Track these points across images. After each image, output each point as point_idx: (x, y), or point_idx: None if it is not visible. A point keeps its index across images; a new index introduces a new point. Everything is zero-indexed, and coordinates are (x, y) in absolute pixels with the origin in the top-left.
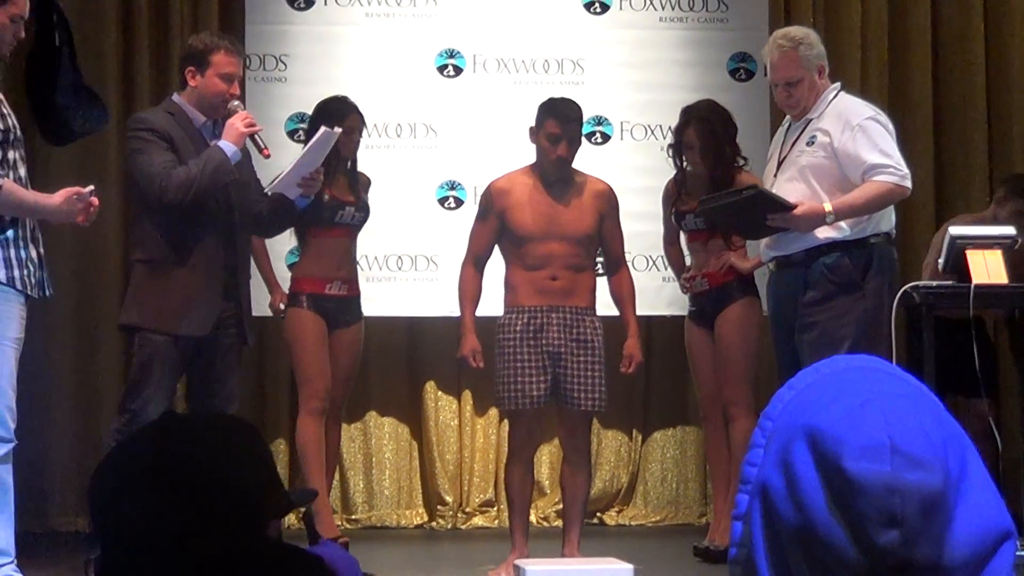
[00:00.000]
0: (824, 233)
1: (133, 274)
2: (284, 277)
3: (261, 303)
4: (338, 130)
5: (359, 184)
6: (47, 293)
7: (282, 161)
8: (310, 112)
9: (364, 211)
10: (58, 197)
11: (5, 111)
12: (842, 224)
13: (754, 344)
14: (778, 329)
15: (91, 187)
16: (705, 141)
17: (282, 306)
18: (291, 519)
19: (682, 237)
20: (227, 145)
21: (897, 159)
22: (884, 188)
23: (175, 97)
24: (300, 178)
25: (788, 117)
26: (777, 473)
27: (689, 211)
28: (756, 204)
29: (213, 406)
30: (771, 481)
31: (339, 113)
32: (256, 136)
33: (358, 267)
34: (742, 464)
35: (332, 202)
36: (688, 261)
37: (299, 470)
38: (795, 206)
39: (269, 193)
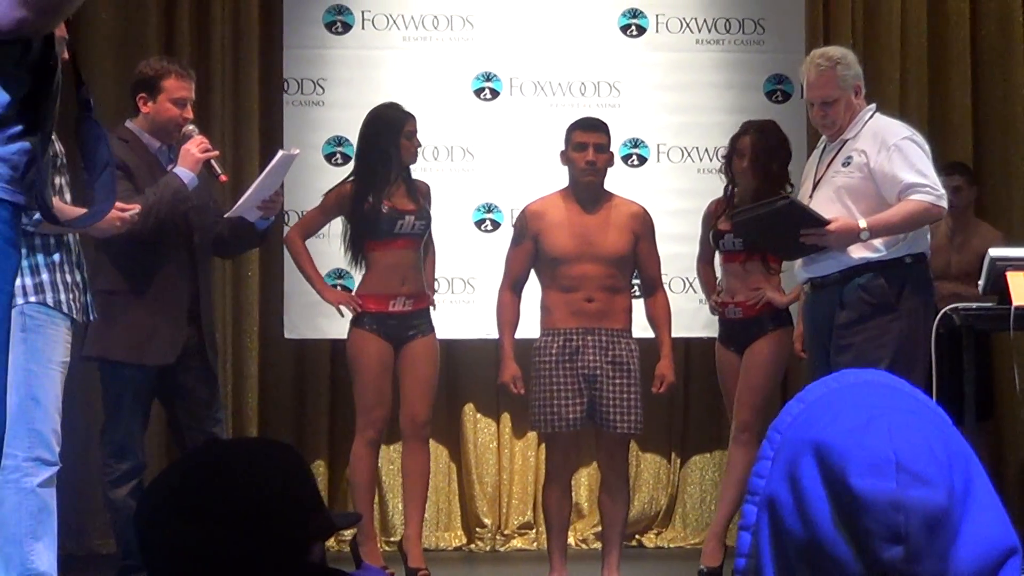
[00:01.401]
0: (859, 253)
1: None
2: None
3: (311, 327)
4: (296, 151)
5: (418, 192)
6: (91, 317)
7: (325, 184)
8: (348, 136)
9: (425, 219)
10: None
11: (53, 136)
12: (877, 244)
13: (779, 376)
14: (813, 351)
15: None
16: (756, 152)
17: (342, 309)
18: (332, 543)
19: (717, 258)
20: (183, 171)
21: (933, 179)
22: (920, 207)
23: (128, 124)
24: (260, 200)
25: (823, 138)
26: (784, 487)
27: (729, 231)
28: (789, 216)
29: (203, 432)
30: (779, 495)
31: (396, 120)
32: (212, 161)
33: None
34: (750, 476)
35: (391, 213)
36: (720, 282)
37: (338, 492)
38: (829, 222)
39: (228, 216)
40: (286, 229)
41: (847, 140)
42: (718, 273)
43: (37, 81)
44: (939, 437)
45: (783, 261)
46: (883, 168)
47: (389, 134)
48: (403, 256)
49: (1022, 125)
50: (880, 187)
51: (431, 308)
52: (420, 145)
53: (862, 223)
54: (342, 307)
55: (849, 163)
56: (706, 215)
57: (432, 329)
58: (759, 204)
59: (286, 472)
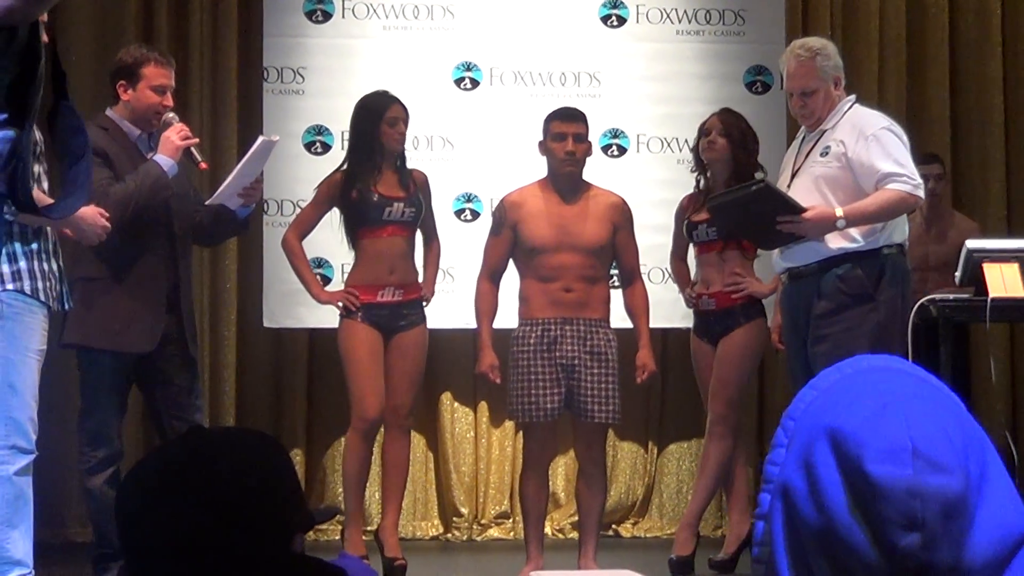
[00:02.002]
0: (836, 243)
1: (74, 292)
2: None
3: (290, 315)
4: (276, 138)
5: (411, 180)
6: (66, 306)
7: (305, 173)
8: (327, 125)
9: (416, 206)
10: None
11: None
12: (854, 235)
13: (753, 367)
14: (791, 341)
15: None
16: (726, 128)
17: (340, 305)
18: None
19: (691, 252)
20: (163, 159)
21: (911, 169)
22: (896, 196)
23: (109, 112)
24: (240, 188)
25: (803, 129)
26: (799, 474)
27: (702, 221)
28: (764, 201)
29: (183, 420)
30: (793, 482)
31: (380, 105)
32: (192, 149)
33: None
34: (764, 463)
35: (380, 200)
36: (694, 276)
37: (315, 482)
38: (804, 209)
39: (208, 204)
40: (265, 218)
41: (826, 131)
42: (693, 265)
43: (22, 69)
44: (955, 423)
45: (758, 249)
46: (860, 158)
47: (371, 121)
48: (392, 244)
49: (999, 116)
50: (858, 177)
51: (424, 300)
52: (403, 131)
53: (838, 211)
54: (340, 304)
55: (827, 153)
56: (679, 210)
57: (423, 320)
58: (734, 188)
59: (269, 463)
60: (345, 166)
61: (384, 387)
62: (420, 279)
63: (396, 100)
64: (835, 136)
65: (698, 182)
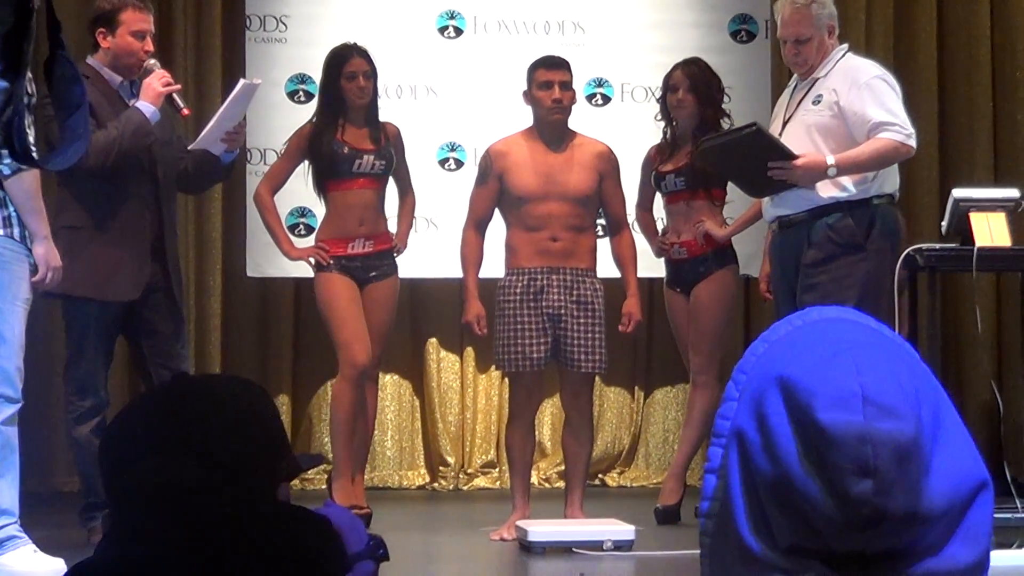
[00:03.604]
0: (827, 192)
1: (58, 241)
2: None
3: (273, 264)
4: (258, 81)
5: (382, 133)
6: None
7: (288, 122)
8: (310, 73)
9: (386, 159)
10: None
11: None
12: (846, 183)
13: (729, 315)
14: (780, 289)
15: None
16: (692, 81)
17: (312, 260)
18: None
19: (660, 201)
20: (145, 106)
21: (903, 118)
22: (889, 145)
23: (89, 60)
24: (224, 133)
25: (794, 78)
26: (752, 425)
27: (670, 172)
28: (755, 145)
29: (168, 369)
30: (746, 433)
31: (341, 58)
32: (174, 95)
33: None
34: (715, 418)
35: (350, 153)
36: (663, 225)
37: (300, 430)
38: (795, 156)
39: (191, 148)
40: (248, 167)
41: (818, 79)
42: (662, 215)
43: (16, 20)
44: (906, 370)
45: (726, 197)
46: (853, 106)
47: (331, 75)
48: (361, 196)
49: (986, 66)
50: (850, 125)
51: (396, 251)
52: (364, 85)
53: (830, 159)
54: (311, 259)
55: (820, 101)
56: (645, 160)
57: (395, 271)
58: (726, 131)
59: (255, 410)
60: (314, 119)
61: (366, 332)
62: (391, 230)
63: (357, 53)
64: (828, 84)
65: (665, 133)
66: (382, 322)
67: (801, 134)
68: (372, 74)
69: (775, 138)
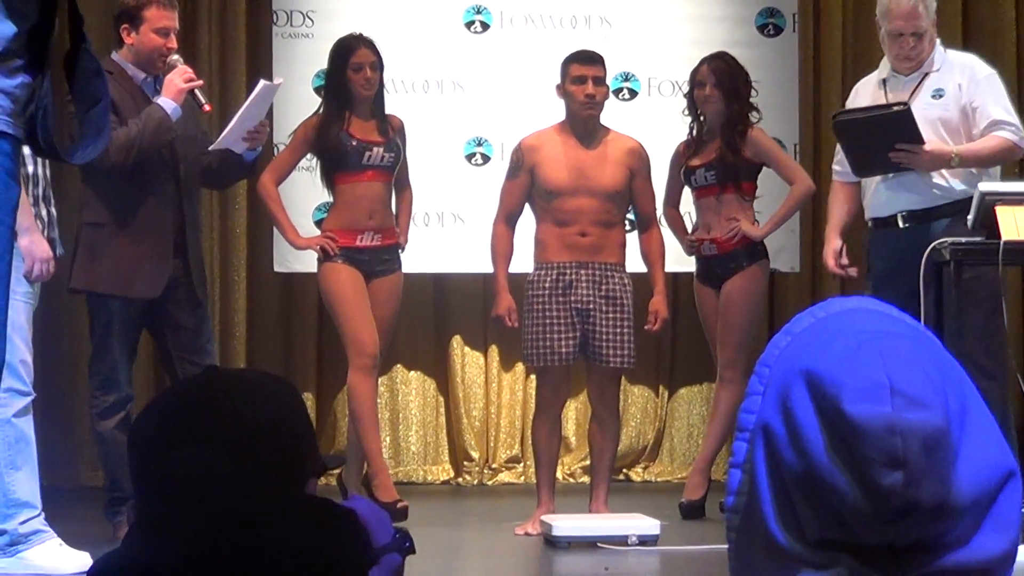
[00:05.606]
0: (959, 186)
1: (81, 237)
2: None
3: (300, 259)
4: (278, 82)
5: (390, 125)
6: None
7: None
8: None
9: (395, 151)
10: None
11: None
12: (957, 178)
13: (758, 310)
14: (891, 286)
15: None
16: (718, 76)
17: (318, 249)
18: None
19: (690, 196)
20: (167, 102)
21: (1016, 118)
22: (1006, 144)
23: (113, 55)
24: (244, 132)
25: (883, 69)
26: (778, 419)
27: (700, 166)
28: (896, 125)
29: (194, 364)
30: (773, 427)
31: (347, 49)
32: (196, 91)
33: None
34: (739, 413)
35: (359, 145)
36: (693, 221)
37: (324, 426)
38: (924, 142)
39: (212, 150)
40: None
41: (929, 72)
42: (692, 211)
43: (41, 15)
44: (932, 360)
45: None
46: (974, 101)
47: (337, 66)
48: (371, 189)
49: (1011, 62)
50: (968, 118)
51: (400, 248)
52: (370, 76)
53: (954, 150)
54: (318, 248)
55: (941, 96)
56: (674, 156)
57: (399, 266)
58: (871, 107)
59: (285, 404)
60: (321, 110)
61: (373, 322)
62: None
63: (364, 44)
64: (946, 79)
65: (692, 128)
66: (387, 317)
67: (926, 128)
68: (379, 65)
69: (915, 122)
